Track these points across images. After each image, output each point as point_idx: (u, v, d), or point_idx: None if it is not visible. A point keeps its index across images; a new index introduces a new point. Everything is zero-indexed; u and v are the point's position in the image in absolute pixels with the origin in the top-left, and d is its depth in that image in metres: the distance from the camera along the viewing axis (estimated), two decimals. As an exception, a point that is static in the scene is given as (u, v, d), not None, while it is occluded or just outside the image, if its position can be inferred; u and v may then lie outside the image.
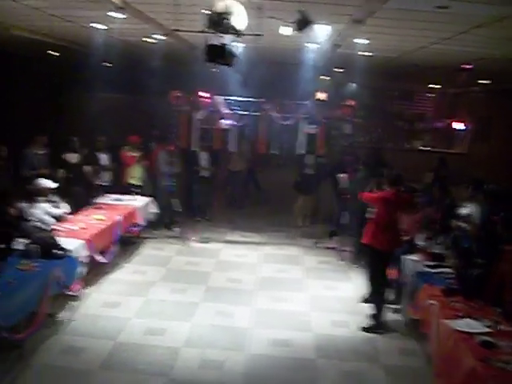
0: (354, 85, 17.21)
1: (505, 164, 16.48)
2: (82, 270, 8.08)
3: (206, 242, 12.06)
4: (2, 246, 7.31)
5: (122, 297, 8.69)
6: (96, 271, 9.14)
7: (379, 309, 8.09)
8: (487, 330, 5.99)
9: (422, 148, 20.49)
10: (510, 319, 6.30)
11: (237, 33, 5.97)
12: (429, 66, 13.21)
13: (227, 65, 6.43)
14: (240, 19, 5.96)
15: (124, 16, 8.43)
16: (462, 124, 20.09)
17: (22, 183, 9.39)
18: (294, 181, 13.64)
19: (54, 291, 7.15)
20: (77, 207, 10.24)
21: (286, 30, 7.56)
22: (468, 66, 12.00)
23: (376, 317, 8.09)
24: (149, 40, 11.29)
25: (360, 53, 11.13)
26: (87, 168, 11.97)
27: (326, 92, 15.77)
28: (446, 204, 9.58)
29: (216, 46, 6.11)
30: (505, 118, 17.45)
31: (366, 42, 9.87)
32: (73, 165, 11.88)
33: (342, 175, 11.21)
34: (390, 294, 8.66)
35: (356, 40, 9.72)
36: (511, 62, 10.35)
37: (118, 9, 7.83)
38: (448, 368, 5.86)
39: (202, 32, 6.10)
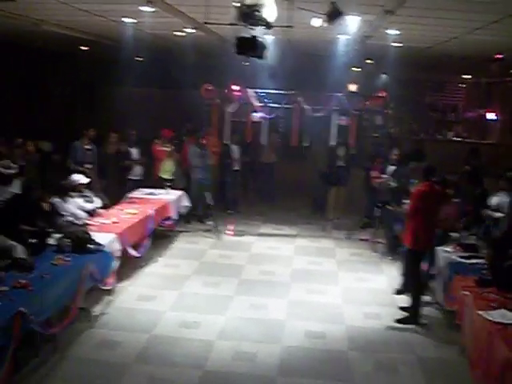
0: (386, 76, 17.06)
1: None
2: (115, 263, 8.17)
3: (240, 235, 12.11)
4: (36, 241, 7.39)
5: (156, 290, 8.78)
6: (130, 265, 9.24)
7: (415, 302, 8.02)
8: (522, 320, 5.92)
9: (454, 139, 20.27)
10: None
11: (267, 25, 5.96)
12: (460, 56, 13.05)
13: (258, 57, 6.42)
14: (270, 11, 5.95)
15: (154, 9, 8.47)
16: (494, 114, 19.86)
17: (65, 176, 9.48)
18: (324, 173, 13.60)
19: (88, 285, 7.25)
20: (110, 200, 10.37)
21: (317, 22, 7.52)
22: (499, 56, 11.84)
23: (411, 308, 8.03)
24: (179, 33, 11.32)
25: (391, 43, 11.03)
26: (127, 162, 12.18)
27: (357, 83, 15.71)
28: (477, 194, 9.48)
29: (246, 38, 6.10)
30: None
31: (397, 32, 9.79)
32: (108, 159, 12.07)
33: (373, 174, 11.14)
34: (424, 286, 8.62)
35: (387, 31, 9.64)
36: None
37: (148, 2, 7.86)
38: (483, 359, 5.82)
39: (233, 24, 6.09)
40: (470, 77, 19.46)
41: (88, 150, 11.87)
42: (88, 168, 11.36)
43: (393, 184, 10.93)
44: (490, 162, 16.63)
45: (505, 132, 19.43)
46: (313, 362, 6.81)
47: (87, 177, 9.63)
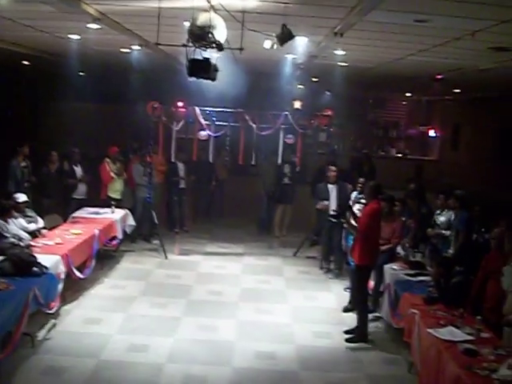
0: (330, 93, 17.30)
1: (472, 170, 16.73)
2: (60, 286, 7.94)
3: (186, 254, 11.98)
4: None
5: (103, 313, 8.55)
6: (75, 287, 9.01)
7: (362, 319, 8.10)
8: (469, 337, 6.04)
9: (396, 155, 20.71)
10: (490, 327, 6.36)
11: (218, 47, 5.93)
12: (403, 75, 13.34)
13: (210, 79, 6.39)
14: (221, 32, 5.93)
15: (101, 27, 8.34)
16: (434, 131, 20.44)
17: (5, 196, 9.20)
18: (271, 191, 13.65)
19: (32, 310, 6.98)
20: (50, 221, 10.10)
21: (268, 44, 7.56)
22: (440, 76, 12.18)
23: (359, 327, 8.09)
24: (127, 50, 11.20)
25: (337, 63, 11.18)
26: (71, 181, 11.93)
27: (302, 101, 15.88)
28: (423, 212, 9.65)
29: (199, 60, 6.06)
30: (472, 126, 17.74)
31: (343, 53, 9.91)
32: (50, 178, 11.79)
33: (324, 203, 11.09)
34: (371, 304, 8.72)
35: (334, 51, 9.76)
36: (480, 72, 10.54)
37: (96, 20, 7.73)
38: (432, 376, 5.90)
39: (184, 46, 6.04)
40: (411, 95, 19.91)
41: (24, 167, 11.53)
42: (26, 187, 11.07)
43: (332, 209, 10.79)
44: (432, 178, 17.07)
45: (445, 149, 19.97)
46: (264, 384, 6.77)
47: (28, 196, 9.39)
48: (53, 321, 7.93)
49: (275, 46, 7.38)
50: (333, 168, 11.26)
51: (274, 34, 6.45)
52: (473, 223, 8.60)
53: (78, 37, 10.08)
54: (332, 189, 11.06)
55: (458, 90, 16.16)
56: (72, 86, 13.86)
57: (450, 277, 7.35)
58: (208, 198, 14.96)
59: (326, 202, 10.98)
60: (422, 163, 17.22)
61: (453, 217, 8.85)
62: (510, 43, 7.76)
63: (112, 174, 12.06)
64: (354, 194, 10.62)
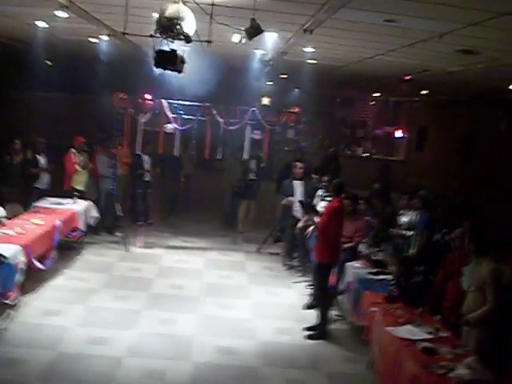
0: (299, 90, 17.34)
1: (437, 171, 16.95)
2: (18, 276, 7.80)
3: (149, 248, 11.89)
4: None
5: (63, 304, 8.44)
6: (34, 278, 8.85)
7: (323, 317, 8.14)
8: (428, 336, 6.09)
9: (363, 155, 20.87)
10: (449, 326, 6.44)
11: (186, 39, 5.88)
12: (372, 75, 13.43)
13: (177, 71, 6.33)
14: (190, 24, 5.87)
15: (68, 15, 8.21)
16: (401, 132, 20.65)
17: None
18: (236, 186, 13.62)
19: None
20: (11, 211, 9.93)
21: (237, 38, 7.54)
22: (408, 77, 12.28)
23: (320, 325, 8.13)
24: (95, 40, 11.05)
25: (306, 60, 11.20)
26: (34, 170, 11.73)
27: (270, 97, 15.89)
28: (387, 212, 9.74)
29: (166, 52, 5.99)
30: (437, 128, 17.97)
31: (312, 50, 9.94)
32: (13, 167, 11.59)
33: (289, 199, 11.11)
34: (332, 301, 8.76)
35: (303, 48, 9.77)
36: (447, 74, 10.66)
37: (63, 7, 7.60)
38: (391, 375, 5.94)
39: (151, 36, 5.97)
40: (379, 95, 20.08)
41: None
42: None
43: (297, 206, 10.81)
44: (397, 178, 17.25)
45: (411, 149, 20.20)
46: (224, 379, 6.77)
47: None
48: (11, 312, 7.79)
49: (244, 40, 7.37)
50: (299, 164, 11.30)
51: (242, 28, 6.42)
52: (435, 223, 8.69)
53: (46, 25, 9.91)
54: (298, 185, 11.10)
55: (425, 92, 16.35)
56: (38, 75, 13.63)
57: (410, 276, 7.43)
58: (174, 192, 14.83)
59: (291, 198, 11.01)
60: (388, 163, 17.38)
61: (415, 217, 8.94)
62: (476, 46, 7.87)
63: (77, 166, 11.88)
64: (319, 192, 10.66)
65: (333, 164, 15.22)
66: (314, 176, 11.62)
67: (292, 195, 11.02)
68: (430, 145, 18.82)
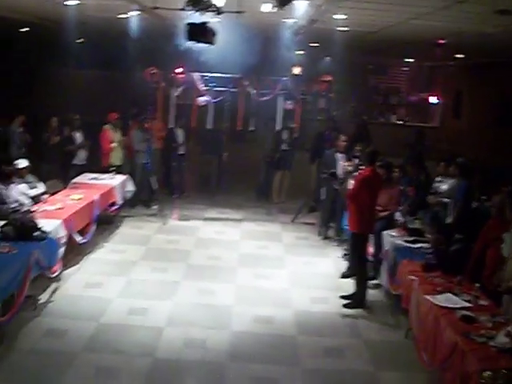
0: (330, 59, 17.16)
1: (473, 137, 16.67)
2: (61, 250, 8.00)
3: (185, 220, 12.01)
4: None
5: (103, 277, 8.63)
6: (75, 251, 9.06)
7: (360, 286, 8.15)
8: (467, 304, 6.06)
9: (397, 122, 20.63)
10: (488, 294, 6.40)
11: (217, 10, 5.87)
12: (404, 40, 13.21)
13: (208, 43, 6.34)
14: (220, -4, 5.87)
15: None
16: (436, 98, 20.29)
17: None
18: (269, 157, 13.59)
19: (34, 273, 7.06)
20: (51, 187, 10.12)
21: (267, 7, 7.48)
22: (442, 41, 12.03)
23: (356, 293, 8.15)
24: (125, 16, 11.07)
25: (337, 28, 11.07)
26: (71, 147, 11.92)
27: (301, 66, 15.74)
28: (421, 180, 9.63)
29: (197, 24, 6.00)
30: (474, 93, 17.61)
31: (344, 17, 9.81)
32: (50, 144, 11.79)
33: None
34: (370, 270, 8.76)
35: (334, 15, 9.65)
36: (485, 37, 10.41)
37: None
38: (429, 342, 5.95)
39: (182, 10, 5.98)
40: (412, 61, 19.75)
41: (19, 133, 11.59)
42: (24, 152, 11.11)
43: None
44: (432, 145, 17.02)
45: (446, 116, 19.88)
46: (262, 348, 6.83)
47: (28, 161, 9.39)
48: (55, 285, 8.00)
49: (275, 10, 7.30)
50: (343, 137, 11.13)
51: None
52: (473, 191, 8.57)
53: (77, 1, 9.96)
54: (340, 158, 10.94)
55: (460, 56, 16.00)
56: (71, 53, 13.76)
57: (449, 244, 7.38)
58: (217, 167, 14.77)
59: (333, 171, 10.88)
60: (422, 130, 17.13)
61: (454, 185, 8.81)
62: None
63: (113, 144, 12.02)
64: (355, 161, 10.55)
65: (364, 132, 15.07)
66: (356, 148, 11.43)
67: (334, 167, 10.86)
68: (465, 110, 18.49)
